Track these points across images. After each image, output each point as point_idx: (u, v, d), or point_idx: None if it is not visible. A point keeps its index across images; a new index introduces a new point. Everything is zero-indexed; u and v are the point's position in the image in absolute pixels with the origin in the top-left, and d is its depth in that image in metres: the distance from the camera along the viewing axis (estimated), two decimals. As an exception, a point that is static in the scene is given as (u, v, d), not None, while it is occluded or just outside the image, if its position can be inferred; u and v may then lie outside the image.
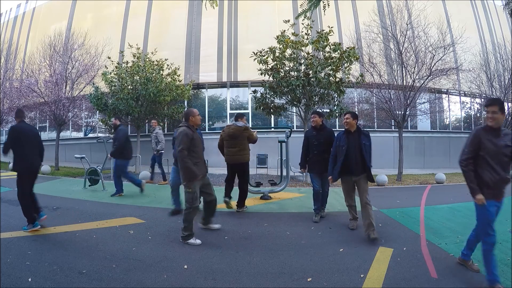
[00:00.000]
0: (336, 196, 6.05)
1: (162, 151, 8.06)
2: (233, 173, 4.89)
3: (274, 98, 8.52)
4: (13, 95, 11.61)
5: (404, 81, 9.31)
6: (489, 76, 12.24)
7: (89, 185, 6.92)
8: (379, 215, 4.70)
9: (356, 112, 4.94)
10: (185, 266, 2.77)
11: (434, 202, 5.73)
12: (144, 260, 2.89)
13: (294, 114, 9.50)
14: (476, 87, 12.64)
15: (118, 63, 10.85)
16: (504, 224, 4.20)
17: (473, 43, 12.82)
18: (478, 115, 15.97)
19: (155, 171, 8.28)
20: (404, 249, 3.24)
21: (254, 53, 8.10)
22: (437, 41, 9.30)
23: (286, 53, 7.99)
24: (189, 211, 3.46)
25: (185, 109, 12.41)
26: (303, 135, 8.41)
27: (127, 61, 10.63)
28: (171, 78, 11.05)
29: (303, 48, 8.05)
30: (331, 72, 7.81)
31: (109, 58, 11.09)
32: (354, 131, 3.89)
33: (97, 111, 11.72)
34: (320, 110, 9.63)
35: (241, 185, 4.89)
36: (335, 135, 4.28)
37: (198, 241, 3.41)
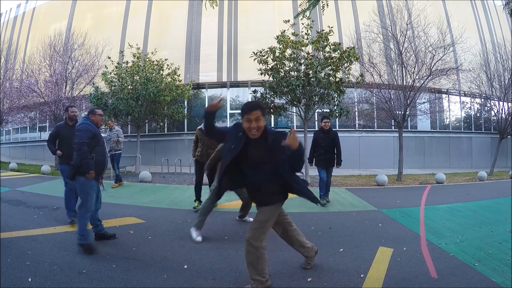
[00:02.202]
0: (336, 196, 6.05)
1: (120, 151, 7.51)
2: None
3: (274, 98, 8.53)
4: (13, 95, 11.61)
5: (404, 81, 9.32)
6: (489, 76, 12.25)
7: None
8: (379, 215, 4.71)
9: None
10: (185, 266, 2.77)
11: (434, 202, 5.73)
12: (144, 260, 2.88)
13: (294, 114, 9.50)
14: (476, 87, 12.66)
15: (118, 63, 10.85)
16: (504, 224, 4.20)
17: (473, 43, 12.84)
18: (478, 115, 15.97)
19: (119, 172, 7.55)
20: (404, 249, 3.24)
21: (254, 53, 8.10)
22: (437, 41, 9.31)
23: (286, 53, 7.99)
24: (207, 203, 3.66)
25: (185, 109, 12.42)
26: (303, 135, 8.50)
27: (127, 61, 10.63)
28: (171, 78, 11.05)
29: (303, 48, 8.04)
30: (331, 72, 7.80)
31: (109, 58, 11.09)
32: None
33: (97, 111, 11.70)
34: (321, 111, 9.70)
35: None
36: (338, 136, 5.40)
37: (199, 238, 3.43)
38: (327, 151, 5.30)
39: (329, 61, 7.76)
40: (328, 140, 5.29)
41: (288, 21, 7.94)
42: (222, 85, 13.94)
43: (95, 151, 3.20)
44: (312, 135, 5.66)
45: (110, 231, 3.56)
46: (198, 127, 5.00)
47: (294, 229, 2.74)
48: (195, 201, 4.94)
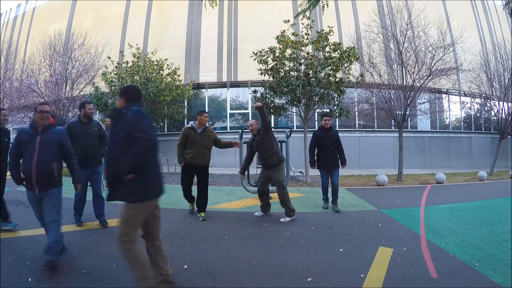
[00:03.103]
0: (336, 196, 6.05)
1: None
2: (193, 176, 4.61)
3: (274, 98, 8.52)
4: (13, 95, 11.60)
5: (404, 81, 9.31)
6: (489, 76, 12.24)
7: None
8: (379, 215, 4.71)
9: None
10: (185, 266, 2.77)
11: (434, 202, 5.73)
12: (144, 260, 2.88)
13: (294, 114, 9.50)
14: (476, 87, 12.65)
15: (118, 63, 10.85)
16: (504, 224, 4.20)
17: (473, 43, 12.83)
18: (478, 115, 15.97)
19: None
20: (404, 249, 3.24)
21: (254, 53, 8.10)
22: (437, 41, 9.31)
23: (286, 53, 7.99)
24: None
25: (185, 109, 12.42)
26: (303, 135, 8.50)
27: (127, 61, 10.63)
28: (171, 78, 11.05)
29: (303, 48, 8.04)
30: (331, 72, 7.80)
31: (109, 58, 11.09)
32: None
33: (97, 111, 11.72)
34: (321, 111, 9.70)
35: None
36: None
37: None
38: (332, 150, 5.03)
39: (329, 61, 7.77)
40: (332, 138, 5.04)
41: (288, 21, 7.94)
42: (222, 85, 13.94)
43: (23, 159, 2.81)
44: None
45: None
46: (188, 126, 4.49)
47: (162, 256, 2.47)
48: (190, 204, 4.88)
